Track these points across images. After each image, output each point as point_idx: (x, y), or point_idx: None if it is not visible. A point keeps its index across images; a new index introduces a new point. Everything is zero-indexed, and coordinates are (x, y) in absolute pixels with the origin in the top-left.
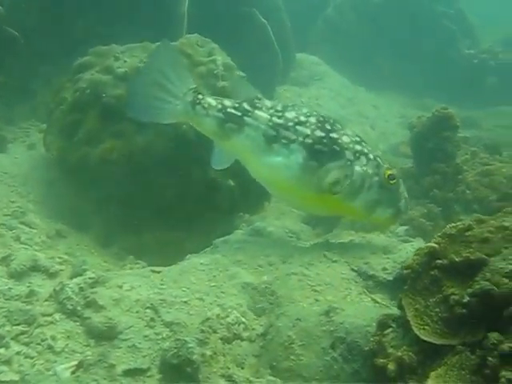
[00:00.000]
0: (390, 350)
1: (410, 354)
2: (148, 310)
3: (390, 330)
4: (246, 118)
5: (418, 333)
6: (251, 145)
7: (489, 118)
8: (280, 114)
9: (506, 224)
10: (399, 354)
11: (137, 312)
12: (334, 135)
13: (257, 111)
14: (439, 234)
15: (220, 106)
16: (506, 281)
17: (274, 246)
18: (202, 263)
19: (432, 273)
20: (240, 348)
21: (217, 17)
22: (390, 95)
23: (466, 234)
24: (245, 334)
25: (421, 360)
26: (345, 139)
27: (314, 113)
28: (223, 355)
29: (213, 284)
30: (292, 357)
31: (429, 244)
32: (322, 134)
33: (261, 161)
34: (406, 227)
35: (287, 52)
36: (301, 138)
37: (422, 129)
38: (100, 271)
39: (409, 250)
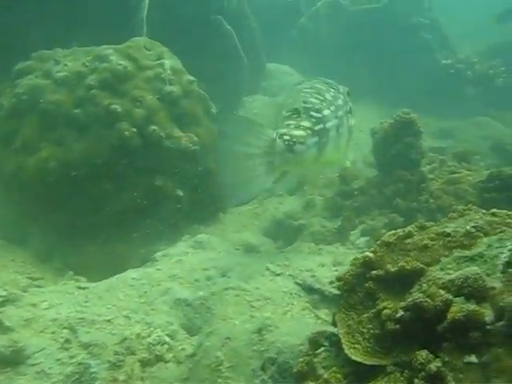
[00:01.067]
0: (321, 372)
1: (338, 376)
2: (65, 330)
3: (323, 349)
4: (326, 125)
5: (347, 352)
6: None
7: (466, 129)
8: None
9: (448, 230)
10: (326, 376)
11: (52, 333)
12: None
13: (324, 112)
14: (377, 242)
15: (309, 132)
16: (443, 292)
17: (216, 259)
18: (133, 278)
19: (367, 285)
20: (165, 371)
21: (183, 24)
22: (365, 105)
23: (406, 241)
24: (169, 355)
25: (351, 382)
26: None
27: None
28: (141, 379)
29: (142, 300)
30: (219, 380)
31: (364, 253)
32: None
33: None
34: (366, 238)
35: (257, 61)
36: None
37: (384, 135)
38: (15, 289)
39: None
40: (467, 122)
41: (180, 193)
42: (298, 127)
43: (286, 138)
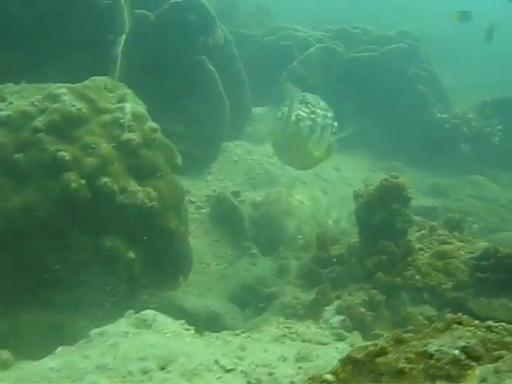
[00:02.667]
0: None
1: None
2: None
3: None
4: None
5: None
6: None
7: (460, 187)
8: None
9: (431, 350)
10: None
11: None
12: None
13: (316, 109)
14: (342, 357)
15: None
16: None
17: (158, 344)
18: (51, 368)
19: None
20: None
21: (164, 62)
22: (357, 156)
23: (378, 360)
24: None
25: None
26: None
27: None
28: None
29: None
30: None
31: (322, 376)
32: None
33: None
34: (342, 317)
35: (242, 104)
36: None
37: (368, 199)
38: None
39: (331, 355)
40: (461, 180)
41: (132, 255)
42: (301, 109)
43: (296, 113)
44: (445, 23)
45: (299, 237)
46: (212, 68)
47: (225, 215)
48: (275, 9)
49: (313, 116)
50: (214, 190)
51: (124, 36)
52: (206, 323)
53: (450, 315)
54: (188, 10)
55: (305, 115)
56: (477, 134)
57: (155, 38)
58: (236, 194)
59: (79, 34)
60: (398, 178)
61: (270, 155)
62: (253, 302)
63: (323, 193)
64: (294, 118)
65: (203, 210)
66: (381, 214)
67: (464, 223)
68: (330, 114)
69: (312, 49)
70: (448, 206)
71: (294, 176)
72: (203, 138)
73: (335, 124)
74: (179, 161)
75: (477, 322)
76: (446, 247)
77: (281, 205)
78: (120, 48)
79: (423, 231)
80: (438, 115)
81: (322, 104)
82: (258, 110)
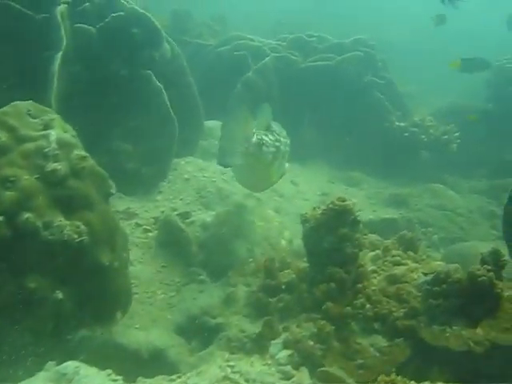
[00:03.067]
0: None
1: None
2: None
3: None
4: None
5: None
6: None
7: (420, 197)
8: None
9: None
10: None
11: None
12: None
13: (280, 137)
14: None
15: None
16: None
17: None
18: None
19: None
20: None
21: (107, 78)
22: (315, 166)
23: None
24: None
25: None
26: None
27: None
28: None
29: None
30: None
31: None
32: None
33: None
34: (289, 352)
35: (193, 118)
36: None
37: (315, 224)
38: None
39: None
40: (421, 189)
41: (60, 295)
42: (266, 135)
43: (259, 137)
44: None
45: (250, 260)
46: (158, 84)
47: (172, 239)
48: (233, 16)
49: (277, 144)
50: (163, 212)
51: (61, 53)
52: (147, 360)
53: (383, 377)
54: (131, 23)
55: (270, 142)
56: (435, 142)
57: (97, 53)
58: (186, 214)
59: (11, 52)
60: (344, 201)
61: (224, 171)
62: (199, 334)
63: (276, 211)
64: (256, 140)
65: (151, 234)
66: (329, 239)
67: (418, 241)
68: (288, 142)
69: (267, 58)
70: (408, 218)
71: (247, 193)
72: (152, 155)
73: (287, 150)
74: (113, 190)
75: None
76: (398, 270)
77: (231, 226)
78: (57, 65)
79: (377, 251)
80: (397, 123)
81: (283, 132)
82: (211, 124)
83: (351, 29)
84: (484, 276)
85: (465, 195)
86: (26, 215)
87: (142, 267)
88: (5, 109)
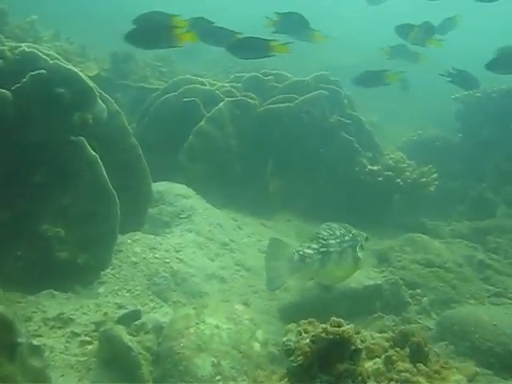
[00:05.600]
0: None
1: None
2: None
3: None
4: (329, 249)
5: None
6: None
7: (402, 251)
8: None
9: None
10: None
11: None
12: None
13: (329, 241)
14: None
15: (315, 251)
16: None
17: None
18: None
19: None
20: None
21: (33, 150)
22: (281, 222)
23: None
24: None
25: None
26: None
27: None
28: None
29: None
30: None
31: None
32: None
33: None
34: None
35: (140, 186)
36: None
37: (305, 361)
38: None
39: None
40: (401, 241)
41: None
42: (309, 247)
43: (301, 253)
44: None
45: (217, 378)
46: (92, 152)
47: (116, 358)
48: (178, 54)
49: (323, 249)
50: (106, 314)
51: None
52: None
53: None
54: (56, 81)
55: (312, 252)
56: (412, 186)
57: (16, 120)
58: (134, 315)
59: None
60: (341, 326)
61: (179, 248)
62: None
63: (245, 303)
64: (297, 257)
65: (90, 347)
66: (323, 378)
67: (427, 348)
68: (347, 238)
69: (221, 104)
70: (393, 280)
71: (208, 274)
72: (89, 240)
73: (359, 239)
74: (22, 339)
75: None
76: None
77: (189, 338)
78: None
79: (377, 361)
80: (369, 167)
81: (339, 231)
82: (161, 187)
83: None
84: None
85: (449, 242)
86: None
87: None
88: None
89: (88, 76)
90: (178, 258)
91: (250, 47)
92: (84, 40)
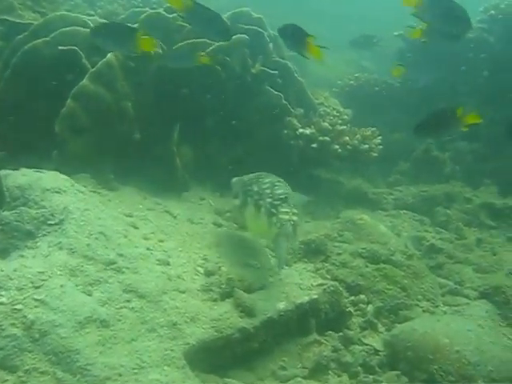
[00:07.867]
0: None
1: None
2: None
3: None
4: None
5: None
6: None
7: (341, 239)
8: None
9: None
10: None
11: None
12: None
13: None
14: None
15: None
16: None
17: None
18: None
19: None
20: None
21: None
22: (192, 202)
23: None
24: None
25: None
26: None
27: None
28: None
29: None
30: None
31: None
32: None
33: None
34: None
35: None
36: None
37: None
38: None
39: None
40: (340, 225)
41: None
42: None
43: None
44: None
45: None
46: None
47: None
48: None
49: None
50: None
51: None
52: None
53: None
54: None
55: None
56: (353, 153)
57: None
58: None
59: None
60: None
61: (40, 282)
62: None
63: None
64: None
65: None
66: None
67: None
68: (275, 192)
69: (109, 55)
70: (332, 290)
71: (82, 318)
72: None
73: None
74: None
75: None
76: None
77: None
78: None
79: None
80: (300, 130)
81: (269, 184)
82: (21, 179)
83: None
84: None
85: (393, 216)
86: None
87: None
88: None
89: None
90: (36, 300)
91: None
92: None
